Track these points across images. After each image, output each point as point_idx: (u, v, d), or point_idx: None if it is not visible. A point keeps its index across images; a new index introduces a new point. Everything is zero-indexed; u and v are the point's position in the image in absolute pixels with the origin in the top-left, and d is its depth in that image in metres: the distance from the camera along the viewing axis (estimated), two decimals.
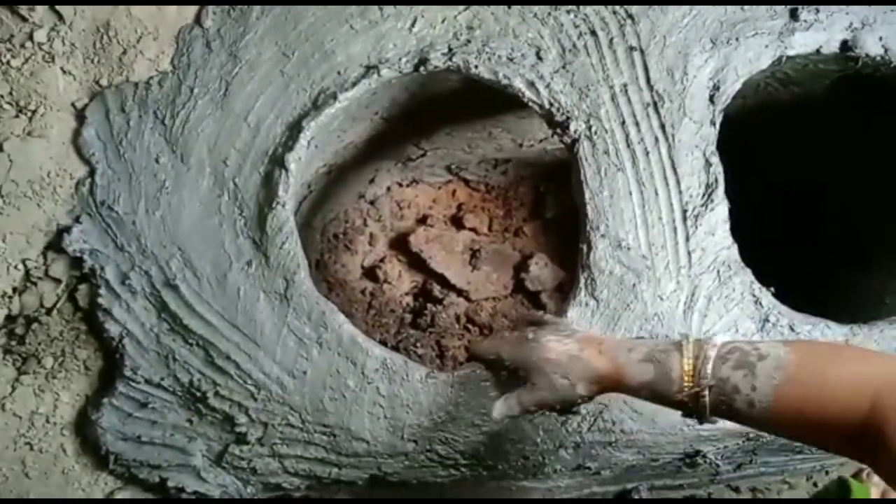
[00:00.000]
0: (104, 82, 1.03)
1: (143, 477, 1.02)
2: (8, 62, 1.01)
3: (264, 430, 1.02)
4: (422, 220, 1.69)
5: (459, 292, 1.62)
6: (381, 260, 1.65)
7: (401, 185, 1.68)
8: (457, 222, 1.69)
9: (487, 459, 1.05)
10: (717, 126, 1.11)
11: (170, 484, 1.02)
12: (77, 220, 1.01)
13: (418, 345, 1.57)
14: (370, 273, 1.64)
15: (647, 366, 0.82)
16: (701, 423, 0.82)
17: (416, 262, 1.64)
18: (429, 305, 1.59)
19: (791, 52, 1.13)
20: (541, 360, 0.87)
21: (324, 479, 1.04)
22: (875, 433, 0.66)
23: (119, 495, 1.03)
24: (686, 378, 0.79)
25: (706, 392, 0.77)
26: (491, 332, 1.58)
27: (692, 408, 0.80)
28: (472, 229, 1.68)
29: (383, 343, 1.44)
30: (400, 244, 1.66)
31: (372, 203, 1.66)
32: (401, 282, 1.65)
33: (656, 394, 0.82)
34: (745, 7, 1.13)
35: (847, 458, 0.72)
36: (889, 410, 0.66)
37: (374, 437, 1.02)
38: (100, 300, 1.00)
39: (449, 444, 1.03)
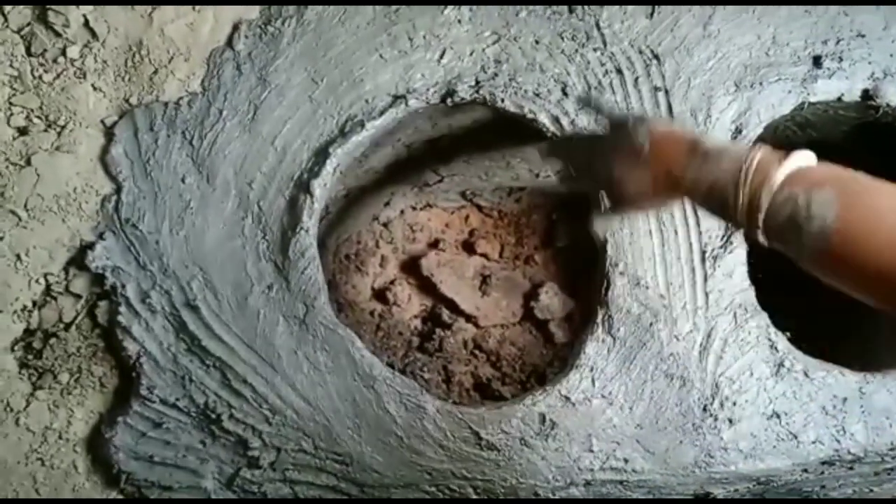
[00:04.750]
0: (134, 100, 1.04)
1: (154, 497, 1.01)
2: (40, 76, 1.01)
3: (277, 455, 1.01)
4: (433, 245, 1.69)
5: (468, 318, 1.62)
6: (392, 282, 1.65)
7: (414, 208, 1.69)
8: (468, 248, 1.70)
9: (499, 495, 1.05)
10: None
11: None
12: (101, 236, 1.01)
13: (425, 369, 1.56)
14: (380, 295, 1.64)
15: (709, 200, 0.78)
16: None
17: (426, 286, 1.64)
18: (437, 330, 1.59)
19: (813, 99, 1.15)
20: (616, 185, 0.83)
21: None
22: None
23: None
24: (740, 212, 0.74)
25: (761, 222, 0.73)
26: (498, 359, 1.58)
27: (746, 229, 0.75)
28: (484, 255, 1.69)
29: (390, 366, 1.44)
30: (411, 267, 1.67)
31: (385, 225, 1.67)
32: (410, 305, 1.65)
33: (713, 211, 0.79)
34: (770, 52, 1.14)
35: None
36: None
37: (387, 468, 1.02)
38: (119, 318, 1.00)
39: (462, 478, 1.03)
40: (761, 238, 0.74)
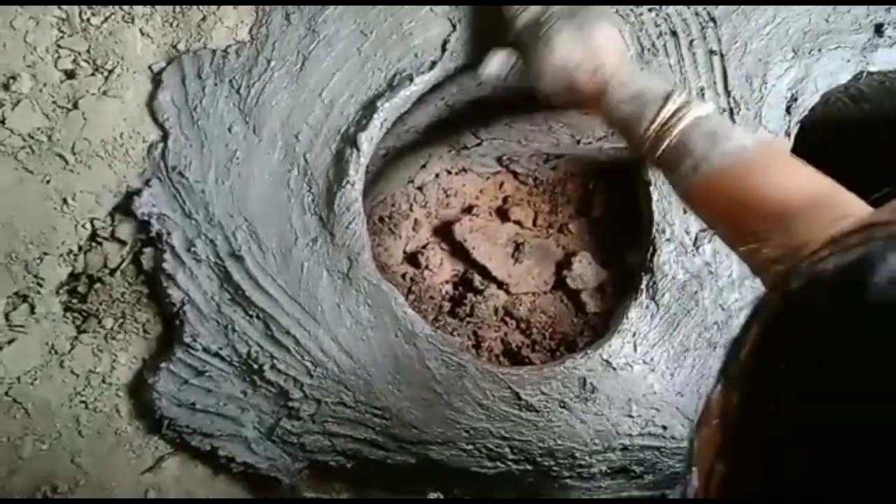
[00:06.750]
0: (182, 47, 1.03)
1: (195, 444, 1.02)
2: (88, 20, 1.00)
3: (317, 407, 1.02)
4: (467, 210, 1.68)
5: (500, 284, 1.61)
6: (424, 246, 1.65)
7: (449, 172, 1.67)
8: (502, 214, 1.68)
9: (536, 456, 1.05)
10: (793, 138, 1.09)
11: (220, 453, 1.02)
12: (147, 183, 1.00)
13: (455, 334, 1.56)
14: (412, 258, 1.63)
15: (628, 106, 0.84)
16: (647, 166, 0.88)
17: (459, 251, 1.64)
18: (468, 295, 1.58)
19: (872, 69, 1.11)
20: (544, 55, 0.89)
21: (371, 460, 1.04)
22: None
23: (169, 461, 1.03)
24: (655, 127, 0.82)
25: (665, 144, 0.80)
26: (528, 326, 1.57)
27: (645, 151, 0.83)
28: (517, 222, 1.67)
29: None
30: (443, 232, 1.66)
31: (420, 189, 1.66)
32: (442, 269, 1.64)
33: (621, 128, 0.87)
34: (830, 18, 1.11)
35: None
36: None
37: (426, 424, 1.02)
38: (164, 265, 1.00)
39: (500, 437, 1.03)
40: (654, 151, 0.82)
